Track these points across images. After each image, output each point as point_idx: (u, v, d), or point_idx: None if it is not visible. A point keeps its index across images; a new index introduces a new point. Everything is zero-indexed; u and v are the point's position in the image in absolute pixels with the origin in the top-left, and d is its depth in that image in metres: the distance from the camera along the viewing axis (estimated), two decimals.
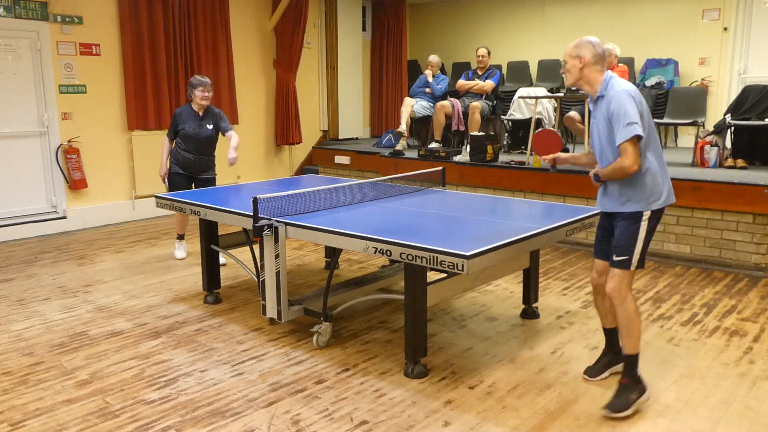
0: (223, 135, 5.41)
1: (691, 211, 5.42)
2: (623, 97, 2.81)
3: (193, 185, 5.44)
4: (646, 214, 2.91)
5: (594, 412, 2.96)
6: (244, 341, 3.83)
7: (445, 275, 3.53)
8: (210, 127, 5.33)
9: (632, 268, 2.93)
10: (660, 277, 5.09)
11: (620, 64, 6.85)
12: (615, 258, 2.95)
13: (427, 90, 8.29)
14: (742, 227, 5.21)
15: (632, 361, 2.96)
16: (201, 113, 5.30)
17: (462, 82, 8.02)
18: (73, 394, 3.17)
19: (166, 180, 5.45)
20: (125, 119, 7.16)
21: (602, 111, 2.91)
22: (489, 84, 7.82)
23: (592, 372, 3.29)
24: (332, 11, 9.29)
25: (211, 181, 5.50)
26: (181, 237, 5.77)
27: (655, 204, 2.91)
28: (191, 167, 5.37)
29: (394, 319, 4.18)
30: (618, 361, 3.19)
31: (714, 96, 7.81)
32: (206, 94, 5.23)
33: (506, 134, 8.07)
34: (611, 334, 3.27)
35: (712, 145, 6.22)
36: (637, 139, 2.77)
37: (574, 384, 3.24)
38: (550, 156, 3.32)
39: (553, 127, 7.27)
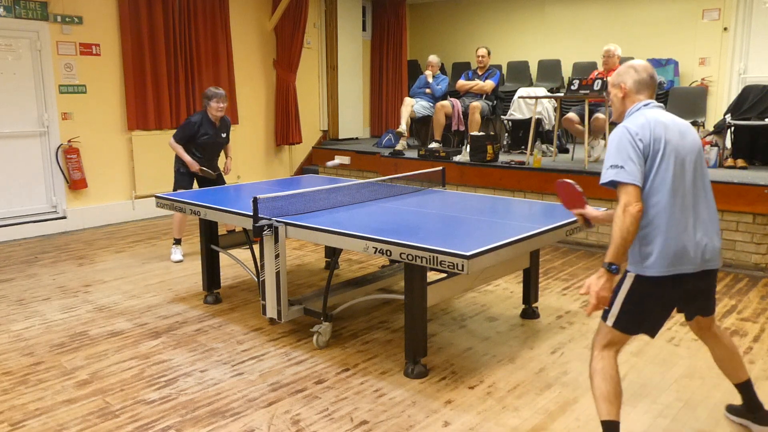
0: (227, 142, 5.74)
1: None
2: (617, 133, 2.40)
3: (194, 185, 5.62)
4: (630, 276, 2.43)
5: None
6: (244, 341, 3.83)
7: (445, 275, 3.53)
8: (224, 135, 5.62)
9: (608, 323, 2.47)
10: None
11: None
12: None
13: (427, 90, 8.29)
14: (742, 227, 5.22)
15: (603, 427, 2.47)
16: (217, 123, 5.51)
17: (462, 82, 8.02)
18: (73, 394, 3.17)
19: (183, 176, 5.58)
20: (125, 119, 7.16)
21: None
22: (489, 84, 7.82)
23: (731, 409, 2.91)
24: (332, 11, 9.29)
25: (215, 182, 5.66)
26: (177, 242, 5.77)
27: (646, 268, 2.38)
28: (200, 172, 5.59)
29: (394, 319, 4.18)
30: (749, 419, 2.79)
31: (714, 96, 7.80)
32: (221, 105, 5.43)
33: (506, 134, 8.08)
34: (741, 389, 2.77)
35: (712, 145, 6.23)
36: (620, 184, 2.32)
37: (574, 384, 3.24)
38: (578, 211, 2.91)
39: (553, 127, 7.27)
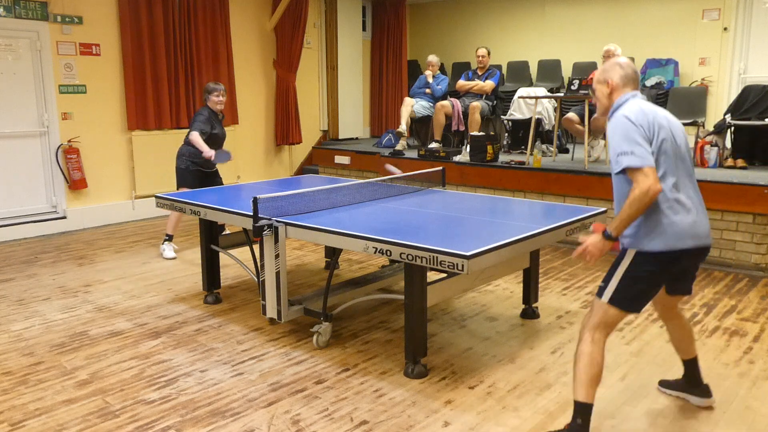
0: None
1: None
2: (617, 122, 2.49)
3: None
4: (631, 251, 2.54)
5: (594, 411, 2.96)
6: (244, 341, 3.83)
7: (445, 275, 3.53)
8: (224, 129, 5.76)
9: (604, 299, 2.57)
10: None
11: None
12: (600, 283, 2.64)
13: (427, 90, 8.30)
14: (742, 227, 5.22)
15: (576, 408, 2.58)
16: (220, 116, 5.67)
17: (462, 83, 8.02)
18: (73, 394, 3.17)
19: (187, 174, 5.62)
20: (125, 119, 7.16)
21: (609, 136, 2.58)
22: (489, 84, 7.82)
23: (664, 383, 3.14)
24: (332, 11, 9.29)
25: (217, 174, 5.79)
26: (169, 238, 5.78)
27: (648, 243, 2.50)
28: (208, 164, 5.62)
29: (394, 319, 4.18)
30: (689, 392, 3.02)
31: (714, 96, 7.81)
32: (221, 98, 5.58)
33: (506, 134, 8.08)
34: (689, 365, 2.99)
35: (712, 145, 6.23)
36: (635, 168, 2.39)
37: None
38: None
39: (553, 127, 7.27)
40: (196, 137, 5.35)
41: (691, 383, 3.02)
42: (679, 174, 2.53)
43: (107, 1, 6.93)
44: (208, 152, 5.35)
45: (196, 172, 5.57)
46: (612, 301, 2.56)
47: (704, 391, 3.00)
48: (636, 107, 2.52)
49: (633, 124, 2.45)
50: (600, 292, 2.60)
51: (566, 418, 2.90)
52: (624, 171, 2.43)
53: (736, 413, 2.94)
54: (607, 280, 2.59)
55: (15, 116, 6.44)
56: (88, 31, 6.80)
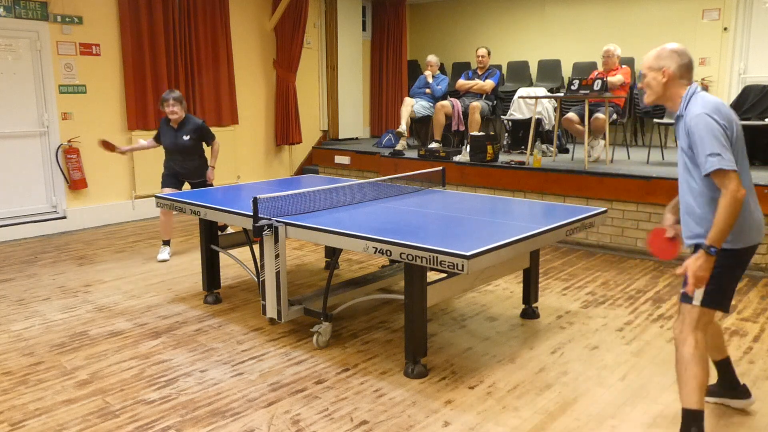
0: (208, 146, 5.71)
1: None
2: (702, 121, 2.41)
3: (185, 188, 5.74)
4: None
5: (594, 412, 2.96)
6: (244, 341, 3.83)
7: (445, 275, 3.53)
8: (187, 138, 5.53)
9: (695, 302, 2.54)
10: (660, 277, 5.08)
11: (623, 66, 6.86)
12: (681, 290, 2.61)
13: (427, 90, 8.30)
14: None
15: (688, 417, 2.55)
16: (175, 125, 5.55)
17: (462, 82, 8.02)
18: (73, 394, 3.17)
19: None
20: (125, 119, 7.16)
21: (682, 134, 2.53)
22: (489, 84, 7.82)
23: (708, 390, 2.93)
24: (332, 11, 9.29)
25: (204, 185, 5.66)
26: (166, 242, 5.78)
27: (731, 242, 2.49)
28: (181, 174, 5.67)
29: (394, 319, 4.18)
30: (728, 396, 2.95)
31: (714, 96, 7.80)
32: (169, 108, 5.44)
33: (506, 134, 8.08)
34: (722, 366, 2.94)
35: None
36: (725, 172, 2.37)
37: (574, 384, 3.24)
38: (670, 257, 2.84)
39: (553, 127, 7.27)
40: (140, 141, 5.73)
41: (727, 386, 2.94)
42: (744, 169, 2.53)
43: (107, 1, 6.93)
44: (120, 148, 5.72)
45: (170, 177, 5.70)
46: (704, 302, 2.54)
47: (743, 393, 2.93)
48: (711, 104, 2.46)
49: (719, 126, 2.40)
50: (685, 298, 2.56)
51: (566, 418, 2.91)
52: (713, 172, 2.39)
53: (736, 413, 2.94)
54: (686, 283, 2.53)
55: (15, 116, 6.44)
56: (88, 31, 6.80)
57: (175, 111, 5.43)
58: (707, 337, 2.70)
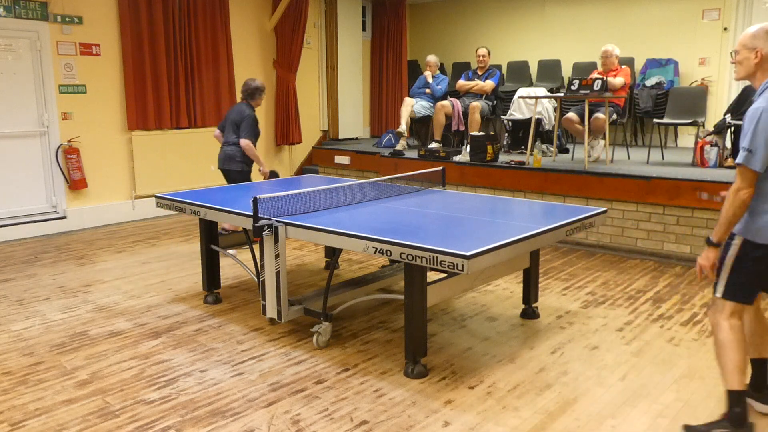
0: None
1: (691, 211, 5.41)
2: (758, 112, 2.45)
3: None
4: (739, 239, 2.59)
5: (594, 411, 2.97)
6: (244, 341, 3.83)
7: (445, 275, 3.53)
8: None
9: (718, 294, 2.65)
10: (660, 277, 5.09)
11: (623, 66, 6.86)
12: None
13: (427, 90, 8.30)
14: None
15: (731, 398, 2.63)
16: None
17: (462, 83, 8.02)
18: (73, 394, 3.17)
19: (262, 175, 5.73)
20: (125, 119, 7.16)
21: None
22: (489, 84, 7.82)
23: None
24: (332, 11, 9.29)
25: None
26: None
27: (754, 234, 2.54)
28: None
29: (394, 319, 4.19)
30: (753, 397, 2.90)
31: (714, 96, 7.81)
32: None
33: (506, 134, 8.07)
34: (758, 365, 2.93)
35: (712, 145, 6.23)
36: (744, 167, 2.45)
37: (574, 384, 3.24)
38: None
39: (553, 127, 7.27)
40: (249, 145, 5.44)
41: (755, 386, 2.92)
42: None
43: (107, 1, 6.93)
44: (265, 168, 5.47)
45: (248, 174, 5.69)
46: (724, 294, 2.63)
47: (766, 397, 2.91)
48: None
49: None
50: (713, 288, 2.67)
51: (566, 418, 2.91)
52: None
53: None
54: (718, 274, 2.65)
55: (15, 116, 6.44)
56: (88, 31, 6.80)
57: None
58: (750, 324, 2.78)
